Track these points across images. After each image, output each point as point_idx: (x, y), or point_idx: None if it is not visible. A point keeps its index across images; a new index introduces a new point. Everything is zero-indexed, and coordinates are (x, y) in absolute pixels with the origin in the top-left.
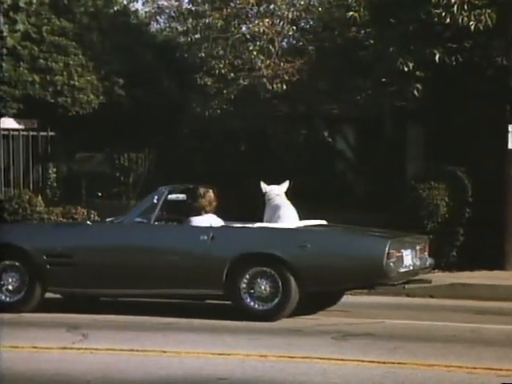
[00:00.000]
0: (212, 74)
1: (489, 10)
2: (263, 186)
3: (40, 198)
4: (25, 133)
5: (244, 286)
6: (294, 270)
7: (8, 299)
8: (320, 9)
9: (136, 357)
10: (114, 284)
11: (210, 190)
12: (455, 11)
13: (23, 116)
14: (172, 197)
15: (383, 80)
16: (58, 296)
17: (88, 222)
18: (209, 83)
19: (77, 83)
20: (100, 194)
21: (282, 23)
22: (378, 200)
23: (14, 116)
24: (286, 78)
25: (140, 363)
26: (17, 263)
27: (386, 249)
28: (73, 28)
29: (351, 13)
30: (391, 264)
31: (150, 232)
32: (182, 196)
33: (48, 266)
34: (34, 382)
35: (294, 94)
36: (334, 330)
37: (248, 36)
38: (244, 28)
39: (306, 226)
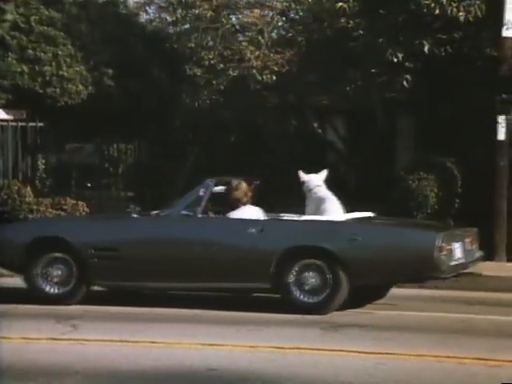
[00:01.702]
0: (201, 64)
1: (478, 1)
2: (302, 175)
3: (29, 188)
4: (14, 123)
5: (292, 279)
6: (344, 264)
7: (54, 291)
8: (309, 0)
9: (125, 348)
10: (160, 277)
11: (243, 182)
12: (444, 2)
13: (12, 106)
14: (216, 189)
15: (373, 71)
16: None
17: (134, 215)
18: (198, 74)
19: (66, 73)
20: (89, 185)
21: (271, 14)
22: (368, 191)
23: (3, 106)
24: (276, 68)
25: (130, 354)
26: (63, 256)
27: (437, 242)
28: (61, 18)
29: (340, 4)
30: (442, 257)
31: (197, 225)
32: (222, 188)
33: (94, 260)
34: (23, 373)
35: (284, 85)
36: (323, 321)
37: (237, 27)
38: (234, 19)
39: (355, 219)
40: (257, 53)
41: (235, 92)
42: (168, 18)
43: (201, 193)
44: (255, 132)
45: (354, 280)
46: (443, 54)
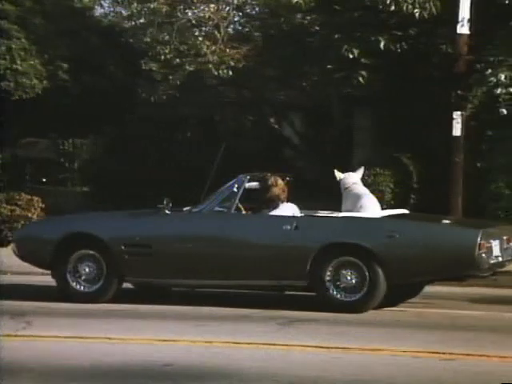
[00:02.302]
0: (158, 59)
1: None
2: (337, 173)
3: None
4: None
5: (329, 276)
6: (382, 261)
7: (84, 289)
8: None
9: (81, 344)
10: (193, 275)
11: (280, 178)
12: None
13: None
14: (250, 185)
15: (329, 67)
16: (2, 284)
17: (167, 211)
18: (154, 69)
19: (20, 67)
20: (44, 180)
21: (227, 9)
22: (325, 187)
23: None
24: (233, 64)
25: (85, 350)
26: (94, 253)
27: (478, 239)
28: (15, 11)
29: None
30: (483, 255)
31: (231, 221)
32: (256, 184)
33: (126, 256)
34: None
35: (241, 80)
36: (280, 316)
37: (193, 21)
38: (189, 13)
39: (393, 216)
40: (213, 48)
41: (192, 87)
42: (123, 12)
43: (235, 189)
44: (212, 127)
45: (392, 278)
46: (399, 50)
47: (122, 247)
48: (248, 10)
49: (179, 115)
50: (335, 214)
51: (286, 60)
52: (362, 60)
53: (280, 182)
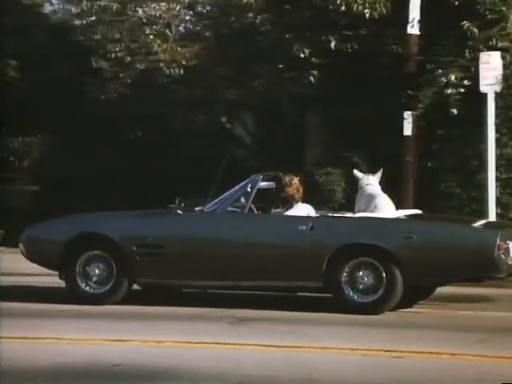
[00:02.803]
0: (108, 57)
1: None
2: (356, 173)
3: None
4: None
5: (345, 278)
6: (400, 262)
7: (93, 290)
8: None
9: (28, 345)
10: (206, 275)
11: (295, 178)
12: None
13: None
14: (263, 184)
15: (280, 66)
16: None
17: (179, 212)
18: (105, 67)
19: None
20: None
21: (178, 7)
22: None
23: None
24: (184, 62)
25: (33, 351)
26: (104, 253)
27: (498, 240)
28: None
29: None
30: (502, 256)
31: (245, 222)
32: (271, 184)
33: (138, 257)
34: None
35: (192, 79)
36: (230, 315)
37: (144, 20)
38: (140, 11)
39: (409, 216)
40: (164, 46)
41: (143, 85)
42: (73, 9)
43: (248, 189)
44: (163, 126)
45: (409, 279)
46: (349, 50)
47: (134, 248)
48: (199, 9)
49: (130, 114)
50: (351, 215)
51: (237, 59)
52: (313, 60)
53: (295, 181)
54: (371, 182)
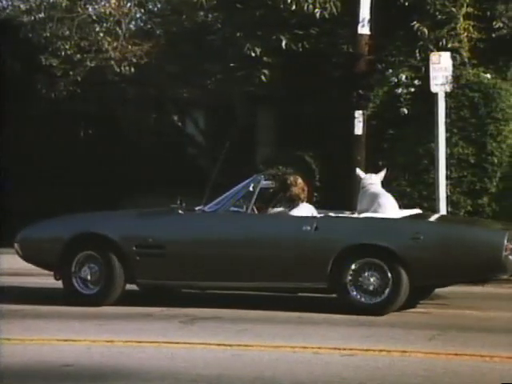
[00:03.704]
0: (58, 54)
1: None
2: (359, 172)
3: None
4: None
5: (350, 278)
6: (406, 263)
7: (90, 291)
8: None
9: None
10: (208, 276)
11: (299, 177)
12: None
13: None
14: (265, 184)
15: (232, 65)
16: None
17: (180, 211)
18: (54, 64)
19: None
20: None
21: (128, 5)
22: (228, 185)
23: None
24: (135, 60)
25: None
26: (103, 254)
27: (505, 241)
28: None
29: None
30: (509, 256)
31: (248, 222)
32: (269, 183)
33: (138, 257)
34: None
35: (143, 77)
36: (182, 314)
37: (94, 17)
38: (90, 9)
39: (413, 216)
40: (115, 44)
41: (93, 83)
42: (22, 6)
43: (251, 188)
44: (114, 124)
45: (415, 280)
46: (300, 49)
47: (134, 248)
48: (150, 7)
49: (80, 112)
50: (356, 215)
51: (188, 58)
52: (264, 59)
53: (300, 181)
54: (374, 182)
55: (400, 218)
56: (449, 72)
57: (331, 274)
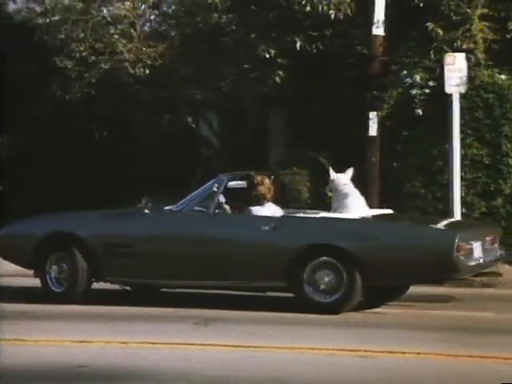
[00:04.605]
0: (72, 56)
1: (348, 0)
2: (332, 173)
3: None
4: None
5: (307, 277)
6: (360, 263)
7: (59, 289)
8: None
9: None
10: (171, 274)
11: (267, 177)
12: (315, 0)
13: None
14: (232, 184)
15: (245, 66)
16: None
17: (146, 211)
18: (69, 66)
19: None
20: None
21: (143, 7)
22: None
23: None
24: (149, 62)
25: None
26: (69, 252)
27: (456, 241)
28: None
29: None
30: (462, 257)
31: (210, 221)
32: (242, 183)
33: (105, 256)
34: None
35: (157, 78)
36: (196, 316)
37: (109, 19)
38: (105, 11)
39: (372, 217)
40: (129, 46)
41: (107, 85)
42: (37, 8)
43: (214, 188)
44: (128, 126)
45: (370, 280)
46: (314, 50)
47: (102, 247)
48: (164, 9)
49: (94, 114)
50: (314, 215)
51: (202, 59)
52: (279, 60)
53: (266, 180)
54: (347, 182)
55: (356, 219)
56: (463, 73)
57: (288, 273)
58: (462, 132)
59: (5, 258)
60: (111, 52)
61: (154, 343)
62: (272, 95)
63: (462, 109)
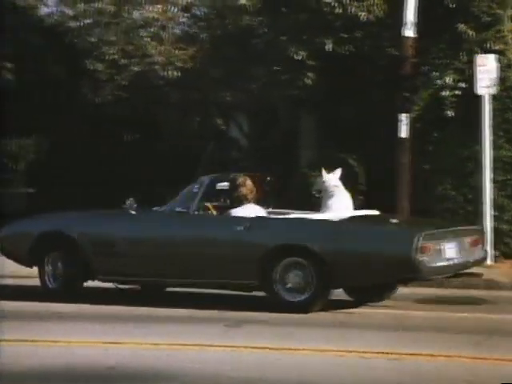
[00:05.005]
0: (103, 59)
1: (379, 1)
2: (324, 174)
3: None
4: None
5: (277, 277)
6: (327, 263)
7: (54, 287)
8: None
9: (24, 347)
10: (152, 274)
11: (249, 178)
12: (346, 1)
13: None
14: (220, 185)
15: (275, 68)
16: None
17: (131, 211)
18: (100, 69)
19: None
20: None
21: (174, 10)
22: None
23: None
24: (179, 65)
25: (29, 354)
26: (66, 251)
27: (415, 242)
28: None
29: (243, 1)
30: (423, 258)
31: (188, 222)
32: (226, 184)
33: (94, 255)
34: None
35: (187, 81)
36: (226, 317)
37: (140, 22)
38: (136, 14)
39: (350, 218)
40: (160, 48)
41: (138, 88)
42: (68, 11)
43: (195, 189)
44: (158, 128)
45: (336, 281)
46: (345, 52)
47: (91, 246)
48: (195, 11)
49: (125, 116)
50: (287, 216)
51: (232, 62)
52: (309, 62)
53: (249, 182)
54: (337, 184)
55: (326, 220)
56: (494, 74)
57: (261, 272)
58: (492, 133)
59: (8, 257)
60: (142, 55)
61: (184, 345)
62: (302, 97)
63: (492, 110)
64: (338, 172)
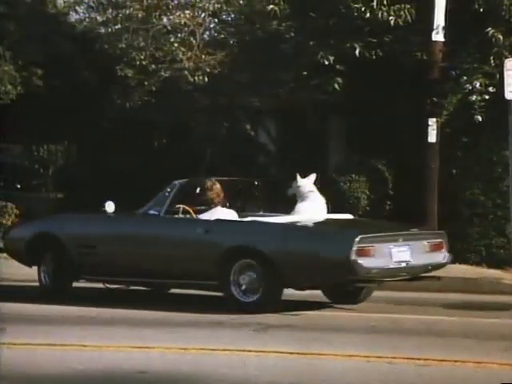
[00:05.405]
0: (133, 65)
1: (408, 6)
2: (298, 179)
3: None
4: None
5: (232, 278)
6: (275, 265)
7: (46, 285)
8: (241, 1)
9: (55, 351)
10: (125, 274)
11: (217, 182)
12: (375, 6)
13: None
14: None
15: (304, 73)
16: None
17: (110, 214)
18: (129, 75)
19: None
20: (19, 186)
21: (203, 15)
22: None
23: None
24: (208, 70)
25: (59, 358)
26: (52, 252)
27: (353, 245)
28: None
29: (271, 6)
30: (361, 261)
31: (158, 224)
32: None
33: (80, 256)
34: None
35: (216, 86)
36: (254, 322)
37: (169, 28)
38: (165, 19)
39: (296, 221)
40: (189, 54)
41: (167, 93)
42: (98, 18)
43: (166, 193)
44: (186, 133)
45: (285, 282)
46: (374, 57)
47: (77, 247)
48: (223, 17)
49: (154, 121)
50: (242, 219)
51: (261, 66)
52: (338, 67)
53: (216, 186)
54: (312, 188)
55: (279, 223)
56: None
57: (218, 273)
58: None
59: (12, 257)
60: (171, 60)
61: (212, 349)
62: (331, 102)
63: None
64: (313, 177)
